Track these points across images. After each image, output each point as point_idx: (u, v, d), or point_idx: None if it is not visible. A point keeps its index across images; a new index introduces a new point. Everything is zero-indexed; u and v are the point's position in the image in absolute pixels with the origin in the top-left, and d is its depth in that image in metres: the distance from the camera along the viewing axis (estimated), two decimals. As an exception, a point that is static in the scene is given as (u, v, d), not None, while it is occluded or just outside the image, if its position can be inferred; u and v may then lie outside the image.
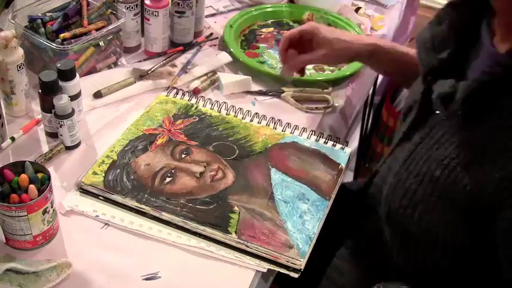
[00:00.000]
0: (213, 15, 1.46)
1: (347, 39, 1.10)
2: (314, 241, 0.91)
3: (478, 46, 0.84)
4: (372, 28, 1.47)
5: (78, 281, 0.83)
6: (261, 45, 1.35)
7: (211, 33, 1.37)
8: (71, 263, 0.83)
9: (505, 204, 0.74)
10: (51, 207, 0.85)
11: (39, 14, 1.18)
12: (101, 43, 1.18)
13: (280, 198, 0.96)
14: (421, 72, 0.90)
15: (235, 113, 1.14)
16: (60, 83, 1.01)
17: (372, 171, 1.06)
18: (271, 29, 1.41)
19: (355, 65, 1.28)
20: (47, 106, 1.01)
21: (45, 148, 1.04)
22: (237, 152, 1.05)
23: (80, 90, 1.06)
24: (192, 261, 0.88)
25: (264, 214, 0.94)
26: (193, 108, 1.14)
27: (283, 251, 0.88)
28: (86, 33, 1.16)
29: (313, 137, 1.10)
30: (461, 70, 0.84)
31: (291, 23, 1.44)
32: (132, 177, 0.97)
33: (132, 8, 1.23)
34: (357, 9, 1.52)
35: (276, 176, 1.01)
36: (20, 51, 1.03)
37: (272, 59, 1.30)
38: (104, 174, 0.97)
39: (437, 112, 0.85)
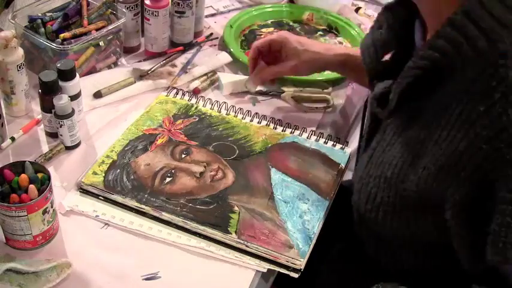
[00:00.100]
0: (213, 15, 1.46)
1: (317, 50, 1.10)
2: (314, 241, 0.91)
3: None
4: (372, 28, 1.47)
5: (78, 281, 0.83)
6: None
7: (211, 33, 1.37)
8: (71, 263, 0.83)
9: (448, 197, 0.75)
10: (51, 207, 0.85)
11: (39, 14, 1.18)
12: (101, 43, 1.18)
13: (280, 198, 0.97)
14: (367, 77, 0.92)
15: (235, 113, 1.14)
16: (60, 83, 1.01)
17: None
18: (271, 29, 1.41)
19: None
20: (47, 106, 1.01)
21: (45, 148, 1.04)
22: (237, 152, 1.05)
23: (80, 90, 1.06)
24: (192, 261, 0.88)
25: (264, 214, 0.94)
26: (193, 108, 1.14)
27: (283, 251, 0.88)
28: (86, 33, 1.16)
29: (313, 137, 1.10)
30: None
31: (291, 23, 1.44)
32: (132, 177, 0.97)
33: (132, 8, 1.23)
34: (357, 9, 1.52)
35: (276, 176, 1.01)
36: (20, 51, 1.03)
37: (272, 59, 1.30)
38: (104, 174, 0.97)
39: (377, 113, 0.87)
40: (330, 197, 0.98)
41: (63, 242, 0.88)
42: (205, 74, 1.23)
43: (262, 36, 1.38)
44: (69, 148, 1.03)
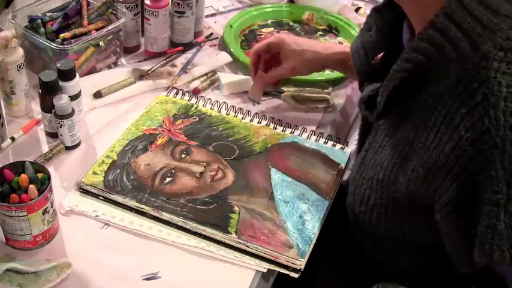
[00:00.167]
0: (213, 15, 1.46)
1: (315, 49, 1.10)
2: (314, 241, 0.91)
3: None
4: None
5: (78, 281, 0.83)
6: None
7: (211, 33, 1.37)
8: (71, 263, 0.83)
9: (437, 199, 0.75)
10: (51, 207, 0.85)
11: (39, 14, 1.18)
12: (101, 43, 1.18)
13: (280, 198, 0.96)
14: (358, 79, 0.92)
15: (235, 113, 1.14)
16: (60, 83, 1.01)
17: None
18: (271, 29, 1.41)
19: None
20: (47, 106, 1.01)
21: (45, 148, 1.04)
22: (237, 152, 1.05)
23: (80, 90, 1.06)
24: (192, 261, 0.88)
25: (264, 214, 0.94)
26: (193, 108, 1.14)
27: (283, 251, 0.88)
28: (86, 33, 1.16)
29: (313, 137, 1.10)
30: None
31: (291, 23, 1.44)
32: (132, 177, 0.97)
33: (132, 8, 1.23)
34: (357, 9, 1.52)
35: (276, 176, 1.01)
36: (20, 51, 1.03)
37: (272, 59, 1.30)
38: (104, 174, 0.97)
39: (366, 116, 0.88)
40: (330, 197, 0.98)
41: (63, 242, 0.88)
42: (205, 74, 1.23)
43: (262, 36, 1.38)
44: (69, 148, 1.03)
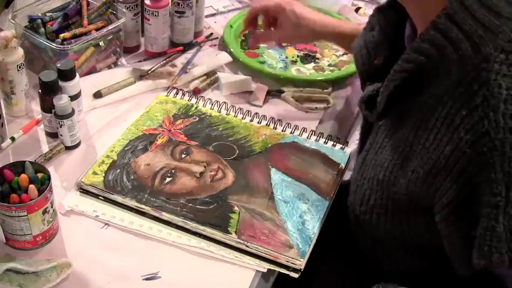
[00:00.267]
0: (213, 15, 1.46)
1: (312, 27, 1.12)
2: (314, 241, 0.91)
3: None
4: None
5: (78, 281, 0.83)
6: (261, 45, 1.34)
7: (211, 33, 1.37)
8: (71, 263, 0.83)
9: (436, 200, 0.75)
10: (51, 207, 0.85)
11: (39, 14, 1.18)
12: (101, 43, 1.18)
13: (280, 198, 0.96)
14: (359, 79, 0.93)
15: (235, 113, 1.14)
16: (60, 83, 1.01)
17: None
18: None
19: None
20: (47, 106, 1.01)
21: (45, 148, 1.04)
22: (237, 152, 1.05)
23: (80, 90, 1.06)
24: (192, 261, 0.88)
25: (264, 214, 0.94)
26: (193, 108, 1.14)
27: (283, 251, 0.88)
28: (86, 33, 1.16)
29: (313, 137, 1.10)
30: None
31: (291, 23, 1.44)
32: (132, 177, 0.97)
33: (132, 8, 1.23)
34: (357, 9, 1.52)
35: (276, 176, 1.01)
36: (20, 51, 1.03)
37: (272, 59, 1.30)
38: (104, 174, 0.97)
39: (366, 116, 0.88)
40: (330, 197, 0.98)
41: (63, 242, 0.88)
42: (205, 74, 1.23)
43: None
44: (69, 148, 1.03)
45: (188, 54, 1.29)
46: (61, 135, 1.02)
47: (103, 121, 1.10)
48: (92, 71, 1.20)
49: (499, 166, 0.67)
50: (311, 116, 1.17)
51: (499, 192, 0.67)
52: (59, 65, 1.01)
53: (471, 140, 0.69)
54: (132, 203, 0.93)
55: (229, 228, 0.90)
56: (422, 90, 0.76)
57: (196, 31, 1.34)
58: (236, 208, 0.94)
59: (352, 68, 1.27)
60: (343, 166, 1.05)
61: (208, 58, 1.28)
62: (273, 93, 1.21)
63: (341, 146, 1.09)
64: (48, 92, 1.00)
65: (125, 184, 0.96)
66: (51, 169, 0.97)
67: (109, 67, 1.23)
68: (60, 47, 1.10)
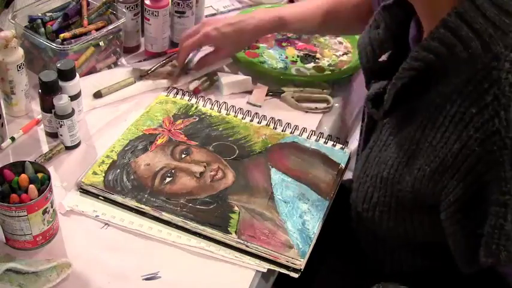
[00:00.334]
0: (213, 15, 1.46)
1: (240, 33, 1.16)
2: (314, 241, 0.91)
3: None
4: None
5: (78, 281, 0.83)
6: (261, 45, 1.35)
7: (211, 33, 1.37)
8: (71, 263, 0.83)
9: (443, 198, 0.75)
10: (51, 207, 0.85)
11: (39, 14, 1.18)
12: (101, 43, 1.18)
13: (280, 198, 0.96)
14: (364, 77, 0.93)
15: (235, 113, 1.14)
16: (60, 83, 1.01)
17: None
18: (271, 29, 1.41)
19: (355, 65, 1.28)
20: (47, 106, 1.01)
21: (45, 148, 1.04)
22: (237, 152, 1.05)
23: (80, 90, 1.06)
24: (192, 261, 0.88)
25: (264, 214, 0.94)
26: (193, 108, 1.14)
27: (283, 251, 0.88)
28: (86, 33, 1.16)
29: (313, 137, 1.10)
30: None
31: (291, 23, 1.44)
32: (132, 177, 0.97)
33: (132, 8, 1.23)
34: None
35: (276, 176, 1.01)
36: (20, 51, 1.03)
37: (272, 59, 1.30)
38: (104, 174, 0.97)
39: (372, 114, 0.88)
40: (330, 197, 0.98)
41: (63, 242, 0.88)
42: (206, 74, 1.23)
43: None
44: (69, 148, 1.03)
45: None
46: (61, 135, 1.02)
47: (103, 121, 1.10)
48: (92, 71, 1.20)
49: (509, 165, 0.67)
50: (311, 116, 1.17)
51: (508, 191, 0.68)
52: (59, 65, 1.01)
53: (481, 138, 0.69)
54: (132, 203, 0.93)
55: (229, 228, 0.90)
56: (429, 88, 0.77)
57: (196, 31, 1.34)
58: (236, 208, 0.94)
59: (352, 68, 1.27)
60: (343, 166, 1.05)
61: (208, 58, 1.28)
62: (273, 93, 1.21)
63: (341, 146, 1.09)
64: (48, 92, 1.00)
65: (124, 184, 0.96)
66: (51, 169, 0.97)
67: (109, 67, 1.23)
68: (60, 47, 1.10)
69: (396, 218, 0.85)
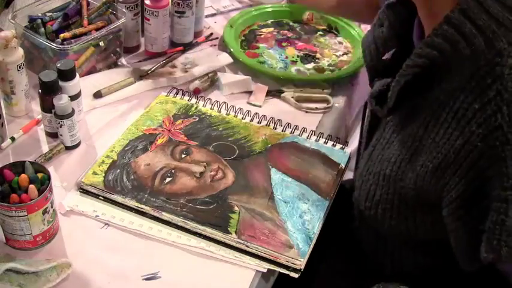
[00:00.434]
0: (213, 15, 1.46)
1: None
2: (314, 241, 0.91)
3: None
4: (372, 28, 1.47)
5: (78, 281, 0.83)
6: (261, 45, 1.35)
7: (211, 33, 1.37)
8: (71, 263, 0.83)
9: (445, 194, 0.75)
10: (51, 207, 0.85)
11: (39, 14, 1.18)
12: (101, 43, 1.18)
13: (280, 198, 0.96)
14: (368, 75, 0.93)
15: (235, 113, 1.14)
16: (60, 83, 1.01)
17: None
18: (271, 29, 1.41)
19: (355, 65, 1.28)
20: (47, 106, 1.01)
21: (45, 148, 1.04)
22: (237, 152, 1.05)
23: (80, 90, 1.06)
24: (192, 261, 0.88)
25: (264, 214, 0.94)
26: (193, 108, 1.14)
27: (283, 251, 0.88)
28: (86, 33, 1.16)
29: (313, 137, 1.10)
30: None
31: (291, 23, 1.44)
32: (132, 177, 0.97)
33: (132, 8, 1.23)
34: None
35: (276, 176, 1.01)
36: (20, 51, 1.03)
37: (272, 59, 1.30)
38: (104, 174, 0.97)
39: (376, 111, 0.88)
40: (330, 197, 0.98)
41: (63, 242, 0.88)
42: (206, 74, 1.23)
43: (262, 36, 1.38)
44: (69, 148, 1.03)
45: (188, 54, 1.29)
46: (61, 135, 1.02)
47: (103, 121, 1.10)
48: (92, 71, 1.20)
49: (511, 160, 0.67)
50: (311, 116, 1.17)
51: (509, 186, 0.68)
52: (59, 65, 1.01)
53: (483, 133, 0.69)
54: (132, 203, 0.93)
55: (229, 228, 0.90)
56: (433, 86, 0.77)
57: (196, 31, 1.34)
58: (236, 208, 0.94)
59: (352, 68, 1.27)
60: (343, 166, 1.05)
61: (208, 58, 1.28)
62: (273, 93, 1.21)
63: (341, 146, 1.09)
64: (48, 92, 1.00)
65: (124, 184, 0.96)
66: (51, 169, 0.97)
67: (109, 67, 1.23)
68: (60, 47, 1.10)
69: (398, 215, 0.86)
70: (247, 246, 0.88)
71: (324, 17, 1.44)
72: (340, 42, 1.39)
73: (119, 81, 1.17)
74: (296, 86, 1.22)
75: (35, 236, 0.85)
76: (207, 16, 1.42)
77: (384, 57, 0.90)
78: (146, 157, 1.01)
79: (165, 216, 0.92)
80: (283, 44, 1.36)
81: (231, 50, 1.29)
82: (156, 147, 1.04)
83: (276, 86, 1.22)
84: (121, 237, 0.90)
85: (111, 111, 1.13)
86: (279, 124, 1.12)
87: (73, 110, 1.00)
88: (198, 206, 0.94)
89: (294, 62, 1.30)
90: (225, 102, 1.15)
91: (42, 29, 1.15)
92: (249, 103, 1.18)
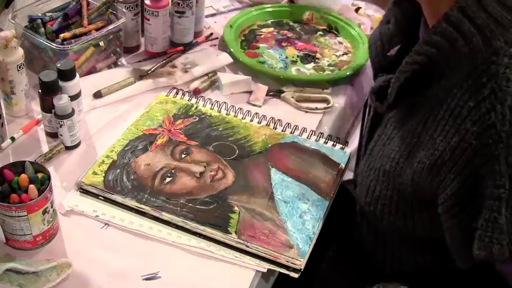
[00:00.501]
0: (213, 15, 1.46)
1: None
2: (314, 241, 0.91)
3: None
4: (372, 28, 1.47)
5: (78, 281, 0.83)
6: (261, 45, 1.35)
7: (211, 33, 1.37)
8: (71, 263, 0.83)
9: (440, 192, 0.76)
10: (51, 207, 0.85)
11: (39, 14, 1.18)
12: (101, 43, 1.18)
13: (280, 198, 0.96)
14: (372, 71, 0.94)
15: (235, 113, 1.14)
16: (60, 83, 1.01)
17: None
18: (271, 29, 1.41)
19: (355, 65, 1.28)
20: (47, 106, 1.01)
21: (45, 148, 1.04)
22: (237, 152, 1.05)
23: (80, 90, 1.06)
24: (192, 261, 0.88)
25: (264, 214, 0.94)
26: (193, 108, 1.14)
27: (283, 251, 0.88)
28: (86, 33, 1.16)
29: (313, 137, 1.10)
30: None
31: (291, 23, 1.44)
32: (132, 177, 0.97)
33: (132, 8, 1.23)
34: (357, 9, 1.52)
35: (276, 176, 1.01)
36: (20, 51, 1.03)
37: (272, 59, 1.30)
38: (104, 174, 0.97)
39: (376, 107, 0.89)
40: (330, 197, 0.98)
41: (63, 242, 0.88)
42: (206, 74, 1.23)
43: (262, 36, 1.38)
44: (69, 148, 1.03)
45: (188, 54, 1.29)
46: (61, 135, 1.02)
47: (103, 121, 1.10)
48: (92, 71, 1.20)
49: (504, 158, 0.68)
50: (311, 116, 1.17)
51: (502, 185, 0.68)
52: (59, 65, 1.01)
53: (477, 131, 0.69)
54: (132, 203, 0.93)
55: (229, 228, 0.90)
56: (432, 83, 0.77)
57: (196, 31, 1.34)
58: (236, 208, 0.94)
59: (352, 68, 1.27)
60: (343, 166, 1.05)
61: (208, 58, 1.28)
62: (273, 93, 1.21)
63: (341, 146, 1.09)
64: (48, 92, 1.00)
65: (125, 184, 0.96)
66: (51, 169, 0.97)
67: (109, 67, 1.23)
68: (60, 47, 1.10)
69: (397, 212, 0.86)
70: (247, 246, 0.88)
71: (324, 17, 1.44)
72: (340, 42, 1.39)
73: (119, 81, 1.17)
74: (296, 86, 1.22)
75: (35, 236, 0.85)
76: (207, 16, 1.42)
77: (388, 54, 0.90)
78: (146, 157, 1.01)
79: (165, 216, 0.92)
80: (283, 44, 1.36)
81: (231, 50, 1.29)
82: (156, 147, 1.04)
83: (276, 86, 1.22)
84: (121, 237, 0.90)
85: (111, 111, 1.13)
86: (279, 124, 1.12)
87: (73, 110, 1.00)
88: (198, 206, 0.94)
89: (294, 62, 1.30)
90: (225, 102, 1.15)
91: (42, 29, 1.15)
92: (249, 103, 1.18)
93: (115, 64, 1.24)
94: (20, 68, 1.03)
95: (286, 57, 1.31)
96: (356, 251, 1.02)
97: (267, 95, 1.20)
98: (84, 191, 0.95)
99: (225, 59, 1.27)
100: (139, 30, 1.28)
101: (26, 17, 1.16)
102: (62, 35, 1.14)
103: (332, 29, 1.43)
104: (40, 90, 1.01)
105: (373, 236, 0.96)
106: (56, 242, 0.88)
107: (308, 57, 1.32)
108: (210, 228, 0.90)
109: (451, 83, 0.74)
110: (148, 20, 1.24)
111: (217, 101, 1.15)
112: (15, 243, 0.85)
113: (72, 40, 1.14)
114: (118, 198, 0.94)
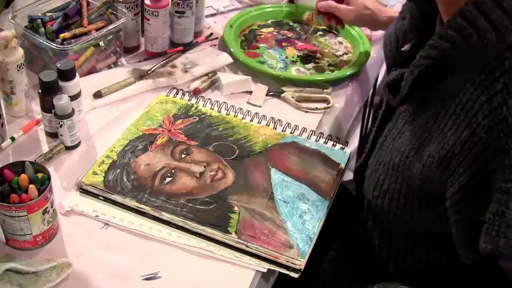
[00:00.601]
0: (213, 15, 1.46)
1: (374, 11, 1.19)
2: (314, 241, 0.91)
3: None
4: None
5: (78, 281, 0.83)
6: (261, 45, 1.35)
7: (211, 33, 1.37)
8: (71, 263, 0.83)
9: (448, 186, 0.76)
10: (51, 207, 0.85)
11: (39, 14, 1.18)
12: (101, 43, 1.18)
13: (280, 198, 0.96)
14: (386, 65, 0.95)
15: (235, 113, 1.14)
16: (60, 83, 1.01)
17: None
18: (271, 29, 1.41)
19: (355, 65, 1.28)
20: (47, 106, 1.01)
21: (45, 148, 1.04)
22: (237, 152, 1.05)
23: (80, 90, 1.06)
24: (192, 261, 0.88)
25: (264, 214, 0.94)
26: (193, 108, 1.14)
27: (283, 251, 0.88)
28: (86, 33, 1.16)
29: (313, 137, 1.10)
30: None
31: (291, 23, 1.44)
32: (132, 177, 0.97)
33: (132, 8, 1.23)
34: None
35: (276, 176, 1.01)
36: (20, 51, 1.03)
37: (272, 59, 1.30)
38: (104, 174, 0.97)
39: (388, 100, 0.89)
40: (330, 197, 0.98)
41: (63, 242, 0.88)
42: (206, 74, 1.23)
43: (262, 36, 1.38)
44: (69, 148, 1.03)
45: (188, 54, 1.29)
46: (61, 135, 1.02)
47: (103, 121, 1.10)
48: (92, 71, 1.20)
49: None
50: (311, 116, 1.17)
51: (511, 178, 0.68)
52: (59, 65, 1.01)
53: (488, 125, 0.70)
54: (132, 203, 0.93)
55: (229, 228, 0.90)
56: (445, 78, 0.77)
57: (196, 31, 1.34)
58: (236, 208, 0.94)
59: (352, 68, 1.27)
60: (343, 166, 1.05)
61: (208, 58, 1.28)
62: (273, 93, 1.21)
63: (341, 146, 1.09)
64: (48, 92, 1.00)
65: (125, 184, 0.96)
66: (51, 169, 0.97)
67: (109, 67, 1.23)
68: (60, 47, 1.10)
69: (405, 205, 0.86)
70: (247, 246, 0.88)
71: (324, 17, 1.44)
72: (340, 42, 1.39)
73: (119, 81, 1.17)
74: (296, 86, 1.22)
75: (35, 236, 0.85)
76: (207, 16, 1.42)
77: (402, 49, 0.91)
78: (146, 157, 1.01)
79: (165, 216, 0.92)
80: (283, 44, 1.36)
81: (231, 50, 1.29)
82: (156, 147, 1.04)
83: (276, 86, 1.22)
84: (121, 237, 0.90)
85: (111, 111, 1.13)
86: (279, 124, 1.12)
87: (73, 110, 1.00)
88: (198, 206, 0.94)
89: (294, 62, 1.30)
90: (225, 102, 1.15)
91: (42, 29, 1.15)
92: (249, 103, 1.18)
93: (115, 64, 1.24)
94: (20, 68, 1.03)
95: (286, 57, 1.31)
96: (358, 250, 1.02)
97: (267, 95, 1.20)
98: (84, 191, 0.95)
99: (225, 59, 1.27)
100: (139, 30, 1.28)
101: (26, 17, 1.16)
102: (62, 35, 1.14)
103: (332, 29, 1.43)
104: (40, 90, 1.01)
105: (379, 231, 0.96)
106: (56, 242, 0.88)
107: (308, 57, 1.32)
108: (210, 228, 0.90)
109: (463, 77, 0.74)
110: (148, 20, 1.24)
111: (217, 101, 1.15)
112: (15, 243, 0.85)
113: (72, 40, 1.14)
114: (118, 198, 0.94)
